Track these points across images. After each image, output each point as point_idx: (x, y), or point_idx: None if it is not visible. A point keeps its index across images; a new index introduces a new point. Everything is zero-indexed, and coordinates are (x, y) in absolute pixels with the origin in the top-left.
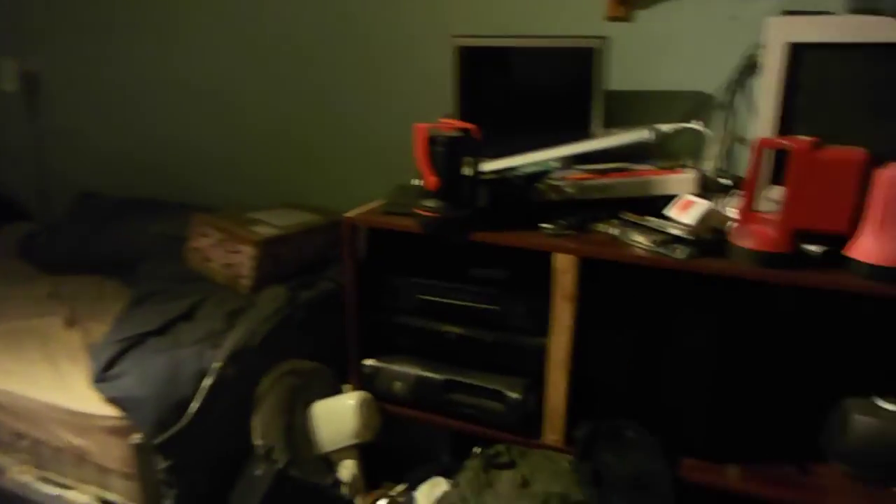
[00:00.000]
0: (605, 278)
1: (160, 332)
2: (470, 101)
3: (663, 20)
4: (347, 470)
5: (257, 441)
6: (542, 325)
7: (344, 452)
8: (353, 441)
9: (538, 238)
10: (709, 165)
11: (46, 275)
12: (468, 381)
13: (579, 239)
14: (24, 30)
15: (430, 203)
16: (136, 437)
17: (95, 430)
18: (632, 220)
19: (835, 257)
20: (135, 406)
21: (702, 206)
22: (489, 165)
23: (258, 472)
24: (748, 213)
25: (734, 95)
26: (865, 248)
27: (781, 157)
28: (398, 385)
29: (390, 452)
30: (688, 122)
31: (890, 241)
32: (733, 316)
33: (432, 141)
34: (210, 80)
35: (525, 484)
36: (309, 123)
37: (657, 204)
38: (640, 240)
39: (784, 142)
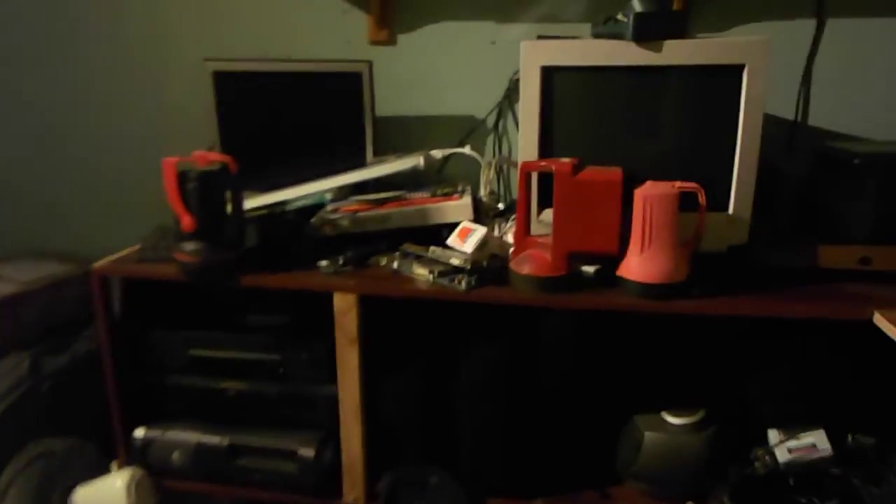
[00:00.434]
0: (389, 315)
1: None
2: (233, 130)
3: (425, 44)
4: None
5: None
6: (329, 372)
7: None
8: None
9: (314, 278)
10: (484, 191)
11: None
12: (255, 442)
13: (358, 275)
14: None
15: (188, 246)
16: None
17: None
18: (412, 251)
19: (608, 277)
20: None
21: (479, 232)
22: (257, 200)
23: None
24: (522, 238)
25: (503, 119)
26: (632, 266)
27: (549, 179)
28: (176, 455)
29: None
30: (461, 146)
31: (653, 258)
32: (519, 343)
33: (183, 177)
34: None
35: None
36: (38, 165)
37: (441, 232)
38: (421, 272)
39: (545, 164)
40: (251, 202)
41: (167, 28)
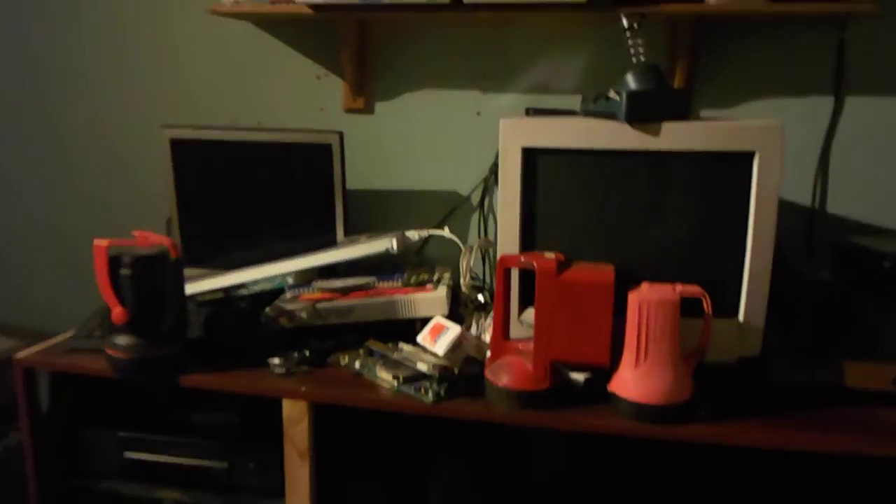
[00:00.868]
0: (346, 425)
1: None
2: (192, 203)
3: (405, 113)
4: None
5: None
6: (279, 484)
7: None
8: None
9: (262, 380)
10: (463, 280)
11: None
12: None
13: (313, 377)
14: None
15: (120, 340)
16: None
17: None
18: (378, 349)
19: (601, 388)
20: None
21: (452, 332)
22: (211, 282)
23: None
24: (500, 342)
25: (489, 196)
26: (626, 382)
27: (532, 275)
28: None
29: None
30: (442, 226)
31: (650, 373)
32: (495, 463)
33: (115, 262)
34: None
35: None
36: None
37: (415, 324)
38: (385, 376)
39: (525, 260)
40: (204, 284)
41: (133, 91)
